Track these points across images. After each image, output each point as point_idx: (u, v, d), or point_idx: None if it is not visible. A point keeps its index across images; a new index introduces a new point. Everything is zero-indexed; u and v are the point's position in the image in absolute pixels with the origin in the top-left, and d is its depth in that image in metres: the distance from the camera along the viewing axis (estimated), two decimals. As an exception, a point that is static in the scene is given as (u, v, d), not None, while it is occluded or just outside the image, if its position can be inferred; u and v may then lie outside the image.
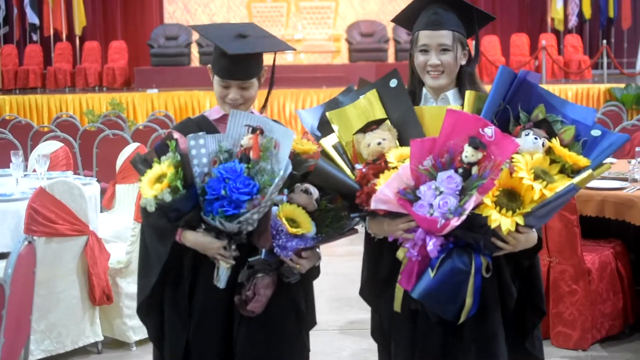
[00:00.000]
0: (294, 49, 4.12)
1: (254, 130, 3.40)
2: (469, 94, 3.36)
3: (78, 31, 20.29)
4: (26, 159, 7.75)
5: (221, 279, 3.49)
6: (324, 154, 3.51)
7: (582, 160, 3.14)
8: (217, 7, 21.68)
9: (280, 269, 3.49)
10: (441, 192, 3.06)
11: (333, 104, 3.59)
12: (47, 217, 5.42)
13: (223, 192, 3.30)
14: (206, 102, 16.51)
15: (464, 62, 3.50)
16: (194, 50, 20.12)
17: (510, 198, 3.08)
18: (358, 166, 3.35)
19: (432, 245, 3.10)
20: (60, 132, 10.09)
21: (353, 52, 19.82)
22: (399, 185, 3.16)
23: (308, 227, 3.43)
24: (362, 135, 3.37)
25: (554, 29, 20.43)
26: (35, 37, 20.45)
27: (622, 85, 16.29)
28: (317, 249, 3.57)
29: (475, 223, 3.08)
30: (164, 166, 3.38)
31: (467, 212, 3.02)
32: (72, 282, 5.76)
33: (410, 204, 3.12)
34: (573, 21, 20.17)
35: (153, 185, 3.37)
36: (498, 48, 19.67)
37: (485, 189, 3.03)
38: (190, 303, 3.65)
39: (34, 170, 7.01)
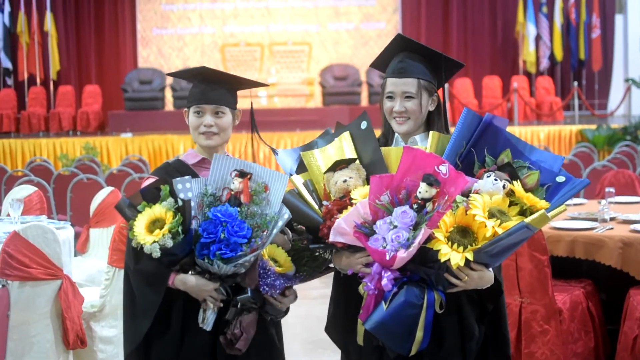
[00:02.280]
0: (268, 85, 4.21)
1: (242, 175, 3.49)
2: (432, 135, 3.46)
3: (53, 75, 20.30)
4: (0, 202, 7.74)
5: (209, 321, 3.54)
6: (294, 191, 3.60)
7: (541, 203, 3.22)
8: (190, 51, 21.75)
9: (265, 307, 3.56)
10: (395, 227, 3.15)
11: (309, 146, 3.71)
12: (20, 262, 5.41)
13: (222, 235, 3.36)
14: (180, 145, 16.52)
15: (432, 108, 3.60)
16: (168, 95, 20.16)
17: (463, 234, 3.16)
18: (326, 203, 3.43)
19: (386, 279, 3.18)
20: (34, 177, 10.08)
21: (326, 95, 19.90)
22: (357, 219, 3.24)
23: (289, 265, 3.55)
24: (332, 174, 3.46)
25: (526, 71, 20.62)
26: (9, 82, 20.44)
27: (594, 127, 16.42)
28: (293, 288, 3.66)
29: (429, 258, 3.18)
30: (159, 211, 3.42)
31: (415, 245, 3.10)
32: (46, 326, 5.74)
33: (366, 237, 3.19)
34: (544, 63, 20.36)
35: (151, 231, 3.39)
36: (470, 90, 19.80)
37: (434, 222, 3.11)
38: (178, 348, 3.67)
39: (8, 215, 6.99)
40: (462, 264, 3.10)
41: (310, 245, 3.56)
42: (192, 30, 21.84)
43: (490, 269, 3.31)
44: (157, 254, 3.35)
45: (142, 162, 12.92)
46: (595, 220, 6.28)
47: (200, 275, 3.49)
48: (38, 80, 20.30)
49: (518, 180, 3.28)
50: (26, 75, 20.31)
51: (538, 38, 20.32)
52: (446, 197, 3.13)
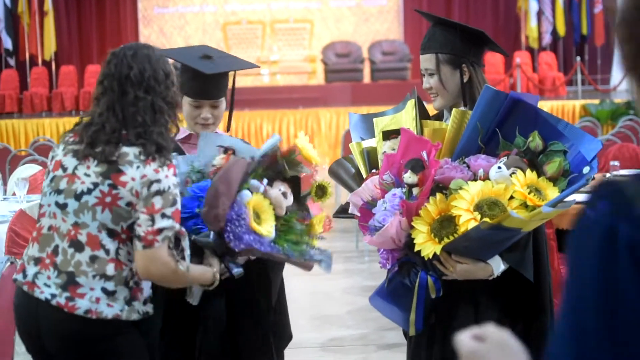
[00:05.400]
0: (258, 66, 4.20)
1: (225, 151, 3.48)
2: (453, 113, 3.29)
3: (46, 56, 20.22)
4: (5, 183, 7.76)
5: (194, 295, 3.51)
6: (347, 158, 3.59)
7: (540, 204, 2.97)
8: (192, 29, 21.72)
9: (225, 260, 3.42)
10: (385, 208, 3.11)
11: (382, 114, 3.63)
12: (27, 239, 5.43)
13: (197, 210, 3.35)
14: (183, 124, 16.49)
15: (465, 79, 3.38)
16: (170, 73, 20.09)
17: (445, 225, 3.03)
18: (374, 171, 3.39)
19: (389, 258, 3.19)
20: (38, 156, 10.08)
21: (329, 72, 19.85)
22: (367, 194, 3.22)
23: (269, 229, 3.34)
24: (384, 143, 3.41)
25: (529, 46, 20.57)
26: (11, 62, 20.41)
27: (597, 101, 16.41)
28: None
29: (412, 245, 3.10)
30: None
31: (380, 232, 3.05)
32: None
33: (369, 214, 3.18)
34: (547, 39, 20.30)
35: None
36: (472, 66, 19.74)
37: (409, 210, 3.03)
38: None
39: (14, 194, 7.01)
40: (430, 255, 3.02)
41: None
42: (194, 9, 21.80)
43: (495, 261, 3.14)
44: None
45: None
46: (600, 193, 6.28)
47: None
48: (40, 61, 20.26)
49: (531, 170, 3.05)
50: (28, 55, 20.29)
51: (540, 13, 20.24)
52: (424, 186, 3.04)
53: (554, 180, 3.07)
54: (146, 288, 3.28)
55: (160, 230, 3.11)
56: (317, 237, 3.52)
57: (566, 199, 3.06)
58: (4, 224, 5.59)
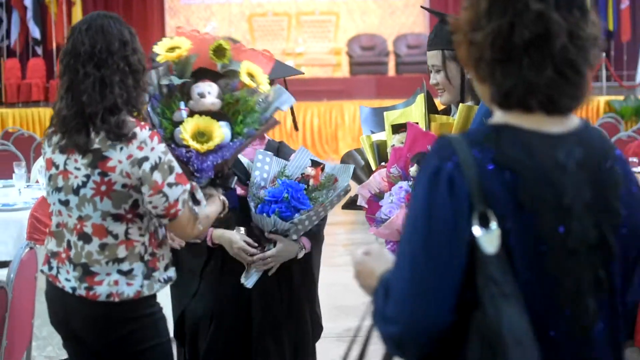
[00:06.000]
0: (302, 73, 4.25)
1: (316, 164, 3.74)
2: (460, 108, 3.35)
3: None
4: (29, 170, 7.85)
5: (251, 277, 3.78)
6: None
7: None
8: (218, 20, 21.73)
9: (216, 182, 3.48)
10: (392, 201, 3.16)
11: (393, 107, 3.71)
12: (48, 225, 5.50)
13: (285, 195, 3.61)
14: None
15: (469, 76, 3.35)
16: (196, 64, 20.15)
17: None
18: (383, 163, 3.45)
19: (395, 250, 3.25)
20: (62, 144, 10.15)
21: (353, 65, 19.86)
22: (373, 187, 3.26)
23: (220, 134, 3.34)
24: (393, 136, 3.47)
25: (554, 42, 20.48)
26: (38, 51, 20.53)
27: (622, 98, 16.34)
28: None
29: None
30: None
31: (387, 224, 3.09)
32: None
33: (377, 206, 3.22)
34: (573, 34, 20.22)
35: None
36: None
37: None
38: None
39: (37, 181, 7.10)
40: None
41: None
42: (220, 0, 21.82)
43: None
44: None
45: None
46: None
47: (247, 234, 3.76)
48: (67, 50, 20.35)
49: None
50: (55, 44, 20.40)
51: (566, 8, 20.17)
52: None
53: None
54: (165, 253, 3.34)
55: (177, 201, 3.16)
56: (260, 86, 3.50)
57: None
58: (26, 210, 5.68)
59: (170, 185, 3.15)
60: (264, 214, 3.65)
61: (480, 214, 1.80)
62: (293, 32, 21.02)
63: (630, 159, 7.02)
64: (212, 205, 3.39)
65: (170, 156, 3.20)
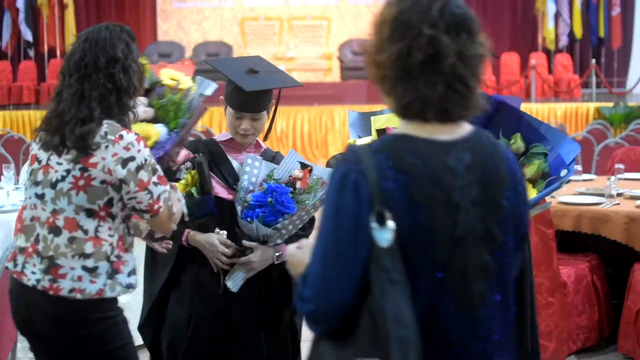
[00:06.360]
0: (302, 85, 4.28)
1: (304, 166, 3.78)
2: None
3: (66, 48, 20.31)
4: (18, 172, 7.85)
5: (238, 282, 3.80)
6: None
7: None
8: (210, 24, 21.79)
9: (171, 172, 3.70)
10: None
11: (381, 112, 3.73)
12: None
13: (269, 200, 3.66)
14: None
15: None
16: (188, 68, 20.14)
17: None
18: None
19: None
20: (52, 147, 10.17)
21: (345, 70, 19.91)
22: None
23: (156, 132, 3.60)
24: None
25: (545, 48, 20.54)
26: (30, 53, 20.54)
27: (611, 104, 16.41)
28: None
29: None
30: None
31: None
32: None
33: None
34: (564, 41, 20.28)
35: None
36: (489, 67, 19.75)
37: None
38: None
39: (24, 184, 7.12)
40: None
41: None
42: (212, 4, 21.86)
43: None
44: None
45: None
46: (602, 195, 6.34)
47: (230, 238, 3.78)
48: (58, 53, 20.37)
49: None
50: (46, 47, 20.41)
51: (558, 15, 20.22)
52: None
53: (533, 182, 3.16)
54: (130, 261, 3.38)
55: (159, 198, 3.29)
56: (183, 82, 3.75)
57: (546, 200, 3.13)
58: (15, 212, 5.69)
59: (155, 184, 3.28)
60: (247, 219, 3.69)
61: (378, 213, 2.08)
62: (285, 36, 21.08)
63: (617, 166, 7.06)
64: (177, 204, 3.48)
65: (153, 160, 3.32)
